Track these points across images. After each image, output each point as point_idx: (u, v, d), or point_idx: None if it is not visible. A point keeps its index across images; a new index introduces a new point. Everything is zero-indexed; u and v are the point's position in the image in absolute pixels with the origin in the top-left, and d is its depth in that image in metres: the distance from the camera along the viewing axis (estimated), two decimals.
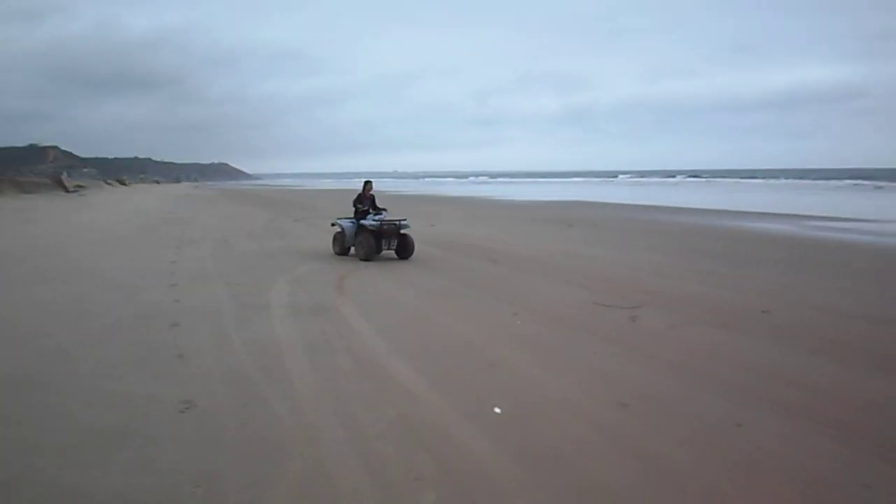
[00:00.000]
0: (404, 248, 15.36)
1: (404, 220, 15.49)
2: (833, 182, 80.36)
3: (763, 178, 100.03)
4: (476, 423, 5.44)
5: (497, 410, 5.72)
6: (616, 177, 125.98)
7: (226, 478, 4.50)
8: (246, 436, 5.17)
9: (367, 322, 8.98)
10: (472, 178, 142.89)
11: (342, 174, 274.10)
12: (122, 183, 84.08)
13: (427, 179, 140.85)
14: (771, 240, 20.30)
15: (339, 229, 16.04)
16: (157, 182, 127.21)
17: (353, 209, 15.77)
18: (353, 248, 15.64)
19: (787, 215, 29.70)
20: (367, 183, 16.14)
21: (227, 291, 11.14)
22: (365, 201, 15.67)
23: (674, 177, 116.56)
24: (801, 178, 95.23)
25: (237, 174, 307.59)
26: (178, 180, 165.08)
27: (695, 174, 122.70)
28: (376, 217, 15.30)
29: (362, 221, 15.38)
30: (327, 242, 16.75)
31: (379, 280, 12.52)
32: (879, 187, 66.57)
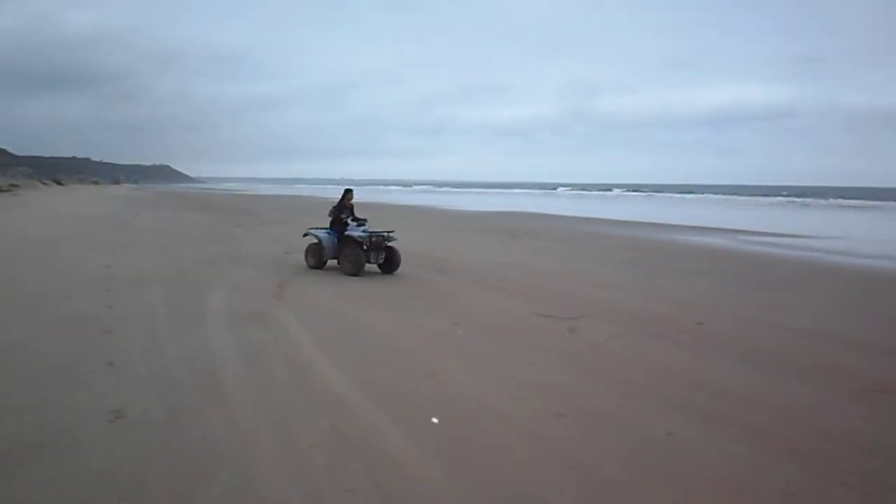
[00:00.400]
0: (390, 262, 14.30)
1: (391, 231, 14.45)
2: (764, 199, 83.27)
3: (699, 193, 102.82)
4: (411, 434, 5.42)
5: (434, 421, 5.72)
6: (556, 189, 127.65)
7: (152, 489, 4.39)
8: (175, 446, 5.04)
9: (306, 330, 8.88)
10: (415, 187, 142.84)
11: (287, 179, 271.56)
12: (59, 183, 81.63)
13: (371, 187, 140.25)
14: (706, 253, 20.84)
15: (314, 240, 14.83)
16: (96, 183, 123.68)
17: (331, 219, 14.71)
18: (329, 262, 14.59)
19: (722, 230, 30.56)
20: (348, 191, 15.01)
21: (163, 297, 10.88)
22: (345, 211, 14.62)
23: (611, 190, 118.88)
24: (734, 193, 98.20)
25: (179, 177, 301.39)
26: (117, 181, 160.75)
27: (634, 188, 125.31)
28: (360, 228, 14.26)
29: (348, 232, 14.19)
30: (269, 248, 16.54)
31: (319, 288, 12.40)
32: (806, 204, 69.14)
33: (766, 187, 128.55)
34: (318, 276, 13.69)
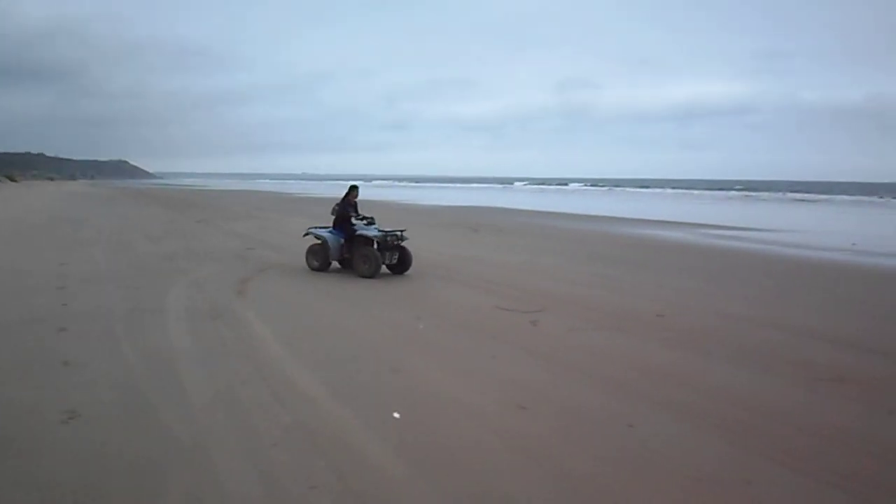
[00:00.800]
0: (403, 263, 13.62)
1: (404, 230, 13.70)
2: (719, 192, 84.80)
3: (655, 187, 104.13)
4: (375, 429, 5.40)
5: (396, 416, 5.71)
6: (518, 183, 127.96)
7: (109, 492, 4.30)
8: (132, 447, 4.95)
9: (268, 327, 8.80)
10: (376, 182, 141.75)
11: (249, 175, 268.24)
12: (12, 179, 79.64)
13: (331, 182, 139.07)
14: (667, 247, 21.14)
15: (316, 241, 13.91)
16: (52, 179, 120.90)
17: (335, 217, 13.82)
18: (335, 263, 13.76)
19: (682, 223, 31.01)
20: (354, 188, 14.16)
21: (121, 295, 10.69)
22: (349, 209, 13.80)
23: (567, 185, 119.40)
24: (690, 188, 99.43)
25: (138, 173, 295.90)
26: (73, 177, 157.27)
27: (593, 183, 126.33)
28: (369, 227, 13.51)
29: (362, 231, 13.35)
30: (231, 244, 16.33)
31: (282, 284, 12.29)
32: (761, 198, 70.61)
33: (721, 181, 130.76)
34: (280, 273, 13.57)
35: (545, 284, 12.72)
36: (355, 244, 13.41)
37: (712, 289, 12.77)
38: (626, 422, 5.71)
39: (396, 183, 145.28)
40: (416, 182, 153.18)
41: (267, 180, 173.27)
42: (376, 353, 7.72)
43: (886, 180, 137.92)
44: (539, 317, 9.79)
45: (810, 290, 13.08)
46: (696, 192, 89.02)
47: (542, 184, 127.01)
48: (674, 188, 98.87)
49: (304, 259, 14.02)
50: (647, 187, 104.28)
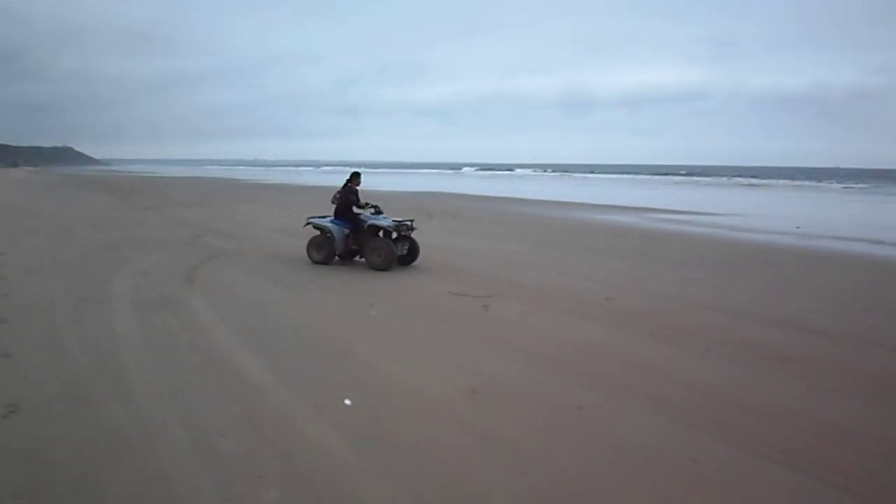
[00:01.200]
0: (412, 253, 13.16)
1: (412, 220, 13.28)
2: (665, 178, 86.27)
3: (611, 173, 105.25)
4: (325, 416, 5.38)
5: (347, 402, 5.69)
6: (466, 168, 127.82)
7: (51, 487, 4.21)
8: (75, 441, 4.84)
9: (216, 315, 8.67)
10: (325, 168, 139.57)
11: (198, 161, 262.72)
12: None
13: (280, 168, 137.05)
14: (616, 231, 21.42)
15: (318, 231, 13.04)
16: None
17: (336, 206, 13.01)
18: (340, 255, 13.01)
19: (630, 208, 31.46)
20: (356, 175, 13.34)
21: (64, 284, 10.41)
22: (352, 197, 13.05)
23: (512, 170, 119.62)
24: (640, 173, 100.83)
25: (83, 159, 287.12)
26: (16, 165, 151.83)
27: (543, 168, 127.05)
28: (378, 216, 12.94)
29: (375, 221, 12.74)
30: (179, 232, 16.02)
31: (232, 272, 12.11)
32: (708, 184, 72.03)
33: (668, 166, 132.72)
34: (231, 260, 13.36)
35: (497, 269, 12.79)
36: (366, 235, 12.80)
37: (659, 272, 12.99)
38: (575, 403, 5.80)
39: (350, 169, 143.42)
40: (368, 168, 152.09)
41: (217, 166, 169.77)
42: (327, 340, 7.68)
43: (829, 165, 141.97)
44: (491, 301, 9.85)
45: (755, 273, 13.40)
46: (643, 176, 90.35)
47: (492, 169, 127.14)
48: (623, 173, 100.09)
49: (306, 252, 13.14)
50: (595, 172, 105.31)
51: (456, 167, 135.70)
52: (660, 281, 11.99)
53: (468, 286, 10.93)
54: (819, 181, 74.69)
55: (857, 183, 68.77)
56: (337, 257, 13.05)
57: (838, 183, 70.87)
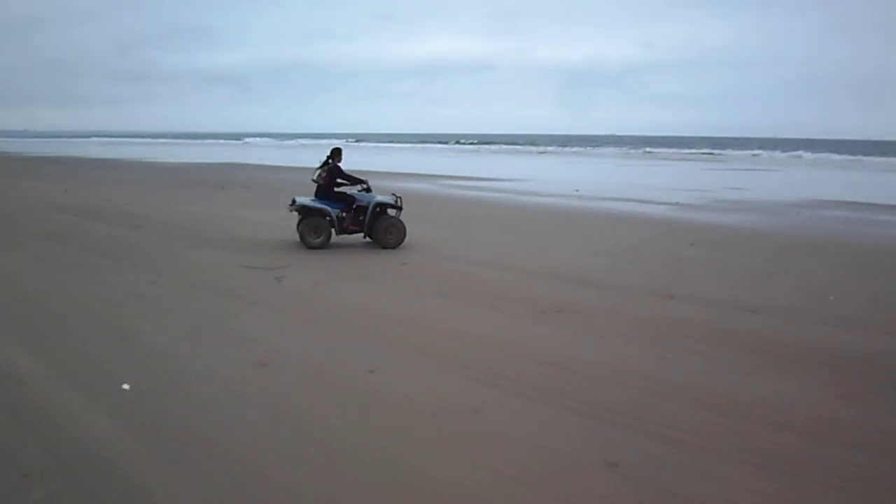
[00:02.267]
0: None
1: (400, 196, 12.66)
2: (464, 146, 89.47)
3: (411, 142, 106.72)
4: (101, 404, 5.01)
5: (126, 387, 5.33)
6: (249, 139, 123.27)
7: None
8: None
9: None
10: (107, 139, 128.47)
11: None
12: None
13: (63, 140, 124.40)
14: (409, 197, 21.79)
15: (316, 214, 11.95)
16: None
17: (323, 185, 12.04)
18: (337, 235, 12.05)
19: (425, 175, 32.16)
20: (338, 151, 12.26)
21: None
22: (341, 175, 12.14)
23: (296, 138, 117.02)
24: (434, 142, 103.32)
25: None
26: None
27: (349, 138, 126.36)
28: (371, 194, 12.25)
29: (381, 199, 12.17)
30: None
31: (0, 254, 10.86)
32: (496, 151, 75.63)
33: (461, 135, 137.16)
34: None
35: (291, 238, 12.56)
36: (373, 214, 12.10)
37: (452, 236, 13.43)
38: (366, 367, 5.86)
39: (137, 140, 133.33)
40: (157, 138, 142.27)
41: None
42: (105, 322, 7.15)
43: (604, 133, 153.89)
44: (285, 272, 9.67)
45: (539, 231, 14.29)
46: (440, 145, 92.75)
47: (290, 139, 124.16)
48: (420, 142, 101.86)
49: (299, 237, 11.94)
50: (394, 142, 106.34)
51: (252, 136, 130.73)
52: (453, 245, 12.38)
53: (261, 258, 10.66)
54: (595, 146, 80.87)
55: (631, 149, 75.21)
56: (316, 238, 11.89)
57: (616, 147, 77.29)
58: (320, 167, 12.17)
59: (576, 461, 4.26)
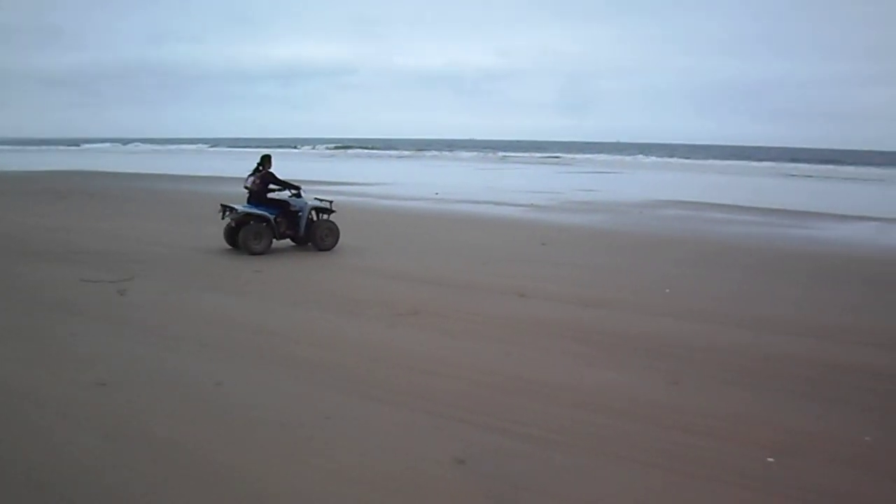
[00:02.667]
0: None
1: (331, 200, 12.95)
2: (325, 151, 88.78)
3: (271, 146, 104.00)
4: None
5: None
6: (86, 144, 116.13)
7: None
8: None
9: None
10: None
11: None
12: None
13: None
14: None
15: (255, 220, 11.72)
16: None
17: (256, 191, 11.87)
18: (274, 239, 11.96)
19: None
20: (268, 157, 12.22)
21: None
22: (274, 180, 12.05)
23: (125, 144, 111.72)
24: (296, 146, 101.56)
25: None
26: None
27: (204, 143, 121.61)
28: (305, 198, 12.35)
29: (316, 203, 12.49)
30: None
31: None
32: (358, 156, 75.55)
33: (322, 139, 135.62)
34: None
35: (135, 247, 11.98)
36: (309, 218, 12.36)
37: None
38: (213, 380, 5.67)
39: None
40: None
41: None
42: None
43: (464, 137, 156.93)
44: (129, 284, 9.17)
45: (401, 236, 14.40)
46: (302, 150, 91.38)
47: (133, 143, 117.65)
48: (280, 146, 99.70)
49: (233, 245, 11.77)
50: (250, 147, 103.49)
51: (91, 142, 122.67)
52: (302, 248, 12.21)
53: (105, 270, 10.02)
54: (452, 150, 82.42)
55: (490, 152, 77.18)
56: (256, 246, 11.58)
57: (476, 152, 79.06)
58: (252, 174, 12.10)
59: (425, 460, 4.33)
